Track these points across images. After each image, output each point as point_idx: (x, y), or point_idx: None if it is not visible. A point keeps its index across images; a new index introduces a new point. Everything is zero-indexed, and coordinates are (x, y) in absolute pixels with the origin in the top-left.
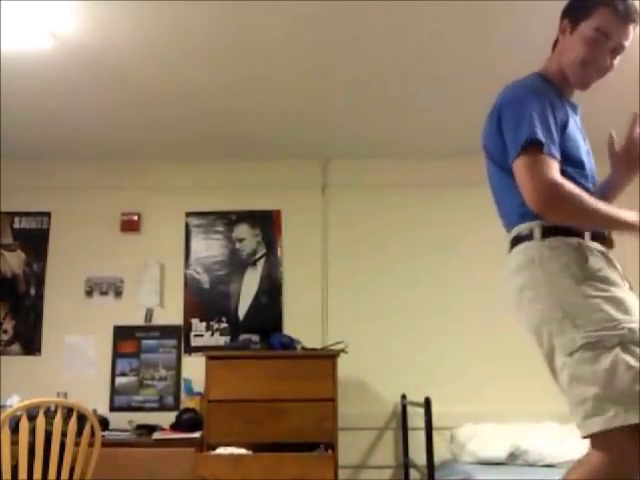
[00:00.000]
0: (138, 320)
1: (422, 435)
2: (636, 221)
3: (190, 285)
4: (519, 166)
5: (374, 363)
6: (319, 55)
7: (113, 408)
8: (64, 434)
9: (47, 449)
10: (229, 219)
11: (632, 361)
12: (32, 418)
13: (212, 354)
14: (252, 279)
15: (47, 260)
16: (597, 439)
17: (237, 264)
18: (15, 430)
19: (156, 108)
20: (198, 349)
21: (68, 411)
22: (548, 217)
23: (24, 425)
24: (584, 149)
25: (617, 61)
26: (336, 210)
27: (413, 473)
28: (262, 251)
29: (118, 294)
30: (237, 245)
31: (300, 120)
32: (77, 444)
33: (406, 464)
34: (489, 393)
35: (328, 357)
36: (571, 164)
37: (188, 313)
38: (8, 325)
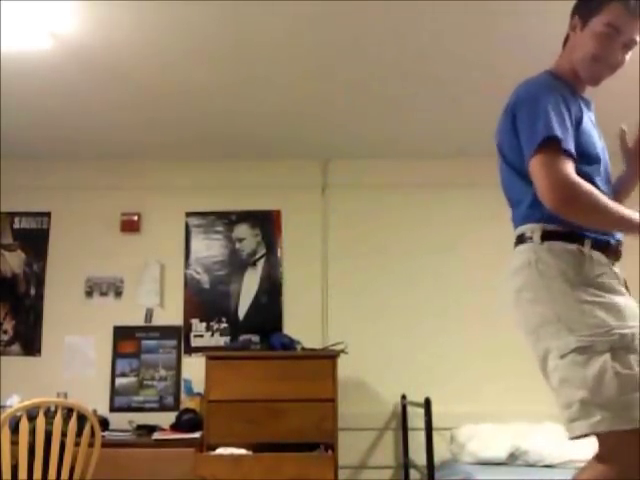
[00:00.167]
0: (138, 320)
1: (422, 435)
2: None
3: (190, 285)
4: (535, 163)
5: (374, 363)
6: (319, 55)
7: (113, 408)
8: (64, 434)
9: (47, 449)
10: (229, 219)
11: (620, 368)
12: (32, 418)
13: (212, 354)
14: (252, 279)
15: (47, 260)
16: (601, 443)
17: (237, 264)
18: (15, 430)
19: (156, 108)
20: (198, 349)
21: (68, 411)
22: (562, 215)
23: (24, 425)
24: (599, 145)
25: (629, 56)
26: (336, 210)
27: (413, 473)
28: (262, 251)
29: (118, 294)
30: (237, 245)
31: (300, 120)
32: (77, 444)
33: (406, 464)
34: (489, 393)
35: (328, 357)
36: (586, 161)
37: (188, 313)
38: (8, 325)
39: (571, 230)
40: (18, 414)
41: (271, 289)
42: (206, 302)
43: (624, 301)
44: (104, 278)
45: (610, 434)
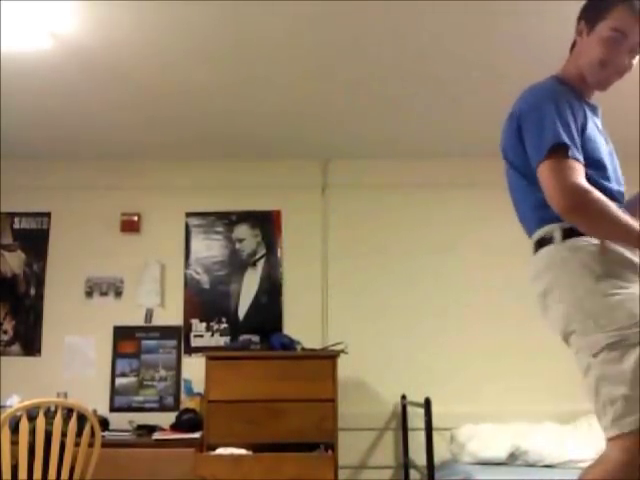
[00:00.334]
0: (138, 320)
1: (422, 435)
2: None
3: (190, 285)
4: (544, 170)
5: (374, 363)
6: (319, 55)
7: (113, 408)
8: (64, 434)
9: (47, 449)
10: (229, 219)
11: None
12: (32, 418)
13: (212, 354)
14: (252, 279)
15: (47, 260)
16: (617, 438)
17: (237, 264)
18: (15, 430)
19: (156, 108)
20: (198, 349)
21: (68, 411)
22: (571, 222)
23: (24, 425)
24: (605, 150)
25: (636, 61)
26: (336, 210)
27: (413, 473)
28: (262, 251)
29: (118, 294)
30: (237, 245)
31: (300, 120)
32: (77, 444)
33: (406, 464)
34: (489, 393)
35: (328, 357)
36: (592, 166)
37: (188, 313)
38: (8, 325)
39: None
40: (18, 414)
41: (271, 289)
42: (206, 302)
43: None
44: (104, 278)
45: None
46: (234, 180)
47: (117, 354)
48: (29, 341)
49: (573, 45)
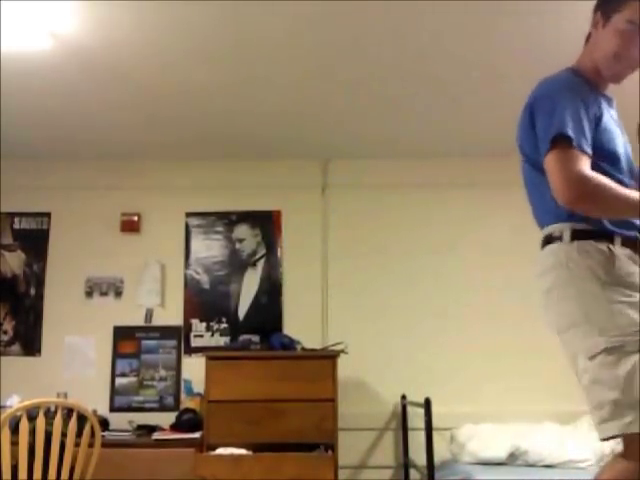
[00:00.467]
0: (138, 320)
1: (422, 435)
2: None
3: (190, 285)
4: (549, 160)
5: (374, 363)
6: (319, 55)
7: (113, 408)
8: (64, 434)
9: (47, 449)
10: (229, 219)
11: None
12: (32, 418)
13: (212, 354)
14: (252, 279)
15: (47, 260)
16: (628, 443)
17: (237, 264)
18: (15, 430)
19: (156, 108)
20: (198, 349)
21: (68, 411)
22: (577, 211)
23: (24, 425)
24: (621, 142)
25: None
26: (336, 210)
27: (413, 473)
28: (262, 251)
29: (118, 294)
30: (237, 245)
31: (300, 120)
32: (77, 444)
33: (406, 464)
34: (489, 393)
35: (328, 357)
36: (607, 159)
37: (188, 313)
38: (8, 325)
39: (600, 228)
40: (18, 414)
41: (271, 289)
42: (206, 302)
43: None
44: (104, 278)
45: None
46: (234, 180)
47: (117, 354)
48: (29, 341)
49: (588, 37)
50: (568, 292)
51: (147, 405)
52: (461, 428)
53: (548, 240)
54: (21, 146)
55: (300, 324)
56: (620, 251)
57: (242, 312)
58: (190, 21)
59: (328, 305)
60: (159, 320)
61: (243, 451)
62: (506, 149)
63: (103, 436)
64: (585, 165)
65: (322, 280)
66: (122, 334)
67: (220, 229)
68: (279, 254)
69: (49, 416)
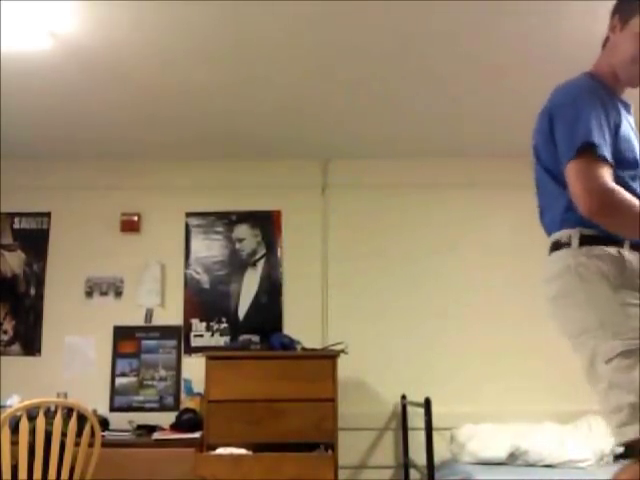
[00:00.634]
0: (138, 320)
1: (422, 435)
2: None
3: (190, 285)
4: (571, 169)
5: (374, 363)
6: (319, 55)
7: (113, 408)
8: (64, 434)
9: (47, 449)
10: (229, 219)
11: None
12: (32, 418)
13: (212, 354)
14: (252, 279)
15: (47, 260)
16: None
17: (237, 264)
18: (15, 430)
19: (156, 108)
20: (198, 349)
21: (68, 411)
22: (597, 222)
23: (24, 425)
24: (637, 149)
25: None
26: (336, 210)
27: (413, 473)
28: (262, 251)
29: (118, 294)
30: (237, 245)
31: (300, 120)
32: (77, 444)
33: (406, 464)
34: (489, 393)
35: (328, 357)
36: (625, 166)
37: (188, 313)
38: (8, 325)
39: (609, 233)
40: (18, 414)
41: (271, 289)
42: (206, 302)
43: None
44: (104, 278)
45: None
46: (234, 180)
47: (117, 354)
48: (29, 341)
49: (606, 41)
50: (578, 297)
51: (147, 405)
52: (461, 428)
53: (556, 246)
54: (21, 146)
55: (300, 324)
56: (630, 255)
57: (242, 312)
58: (190, 21)
59: (328, 305)
60: (159, 320)
61: (243, 451)
62: (506, 149)
63: (103, 436)
64: (608, 176)
65: (322, 280)
66: (122, 334)
67: (220, 229)
68: (279, 254)
69: (49, 416)
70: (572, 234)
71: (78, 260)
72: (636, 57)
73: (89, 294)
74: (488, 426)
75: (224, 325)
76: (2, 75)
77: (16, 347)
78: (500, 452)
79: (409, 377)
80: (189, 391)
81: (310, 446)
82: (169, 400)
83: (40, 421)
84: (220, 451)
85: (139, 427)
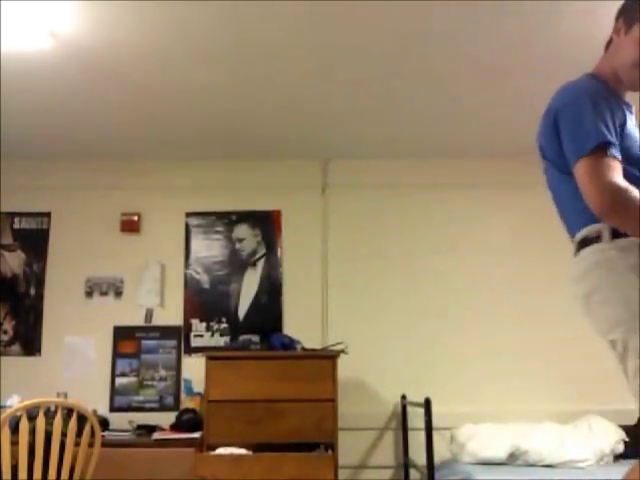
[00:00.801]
0: (138, 320)
1: (422, 435)
2: None
3: (190, 285)
4: (581, 168)
5: (374, 363)
6: (319, 55)
7: (113, 408)
8: (64, 434)
9: (47, 449)
10: (229, 219)
11: None
12: (32, 418)
13: (212, 354)
14: (252, 279)
15: (47, 260)
16: None
17: (237, 264)
18: (15, 430)
19: (156, 108)
20: (198, 349)
21: (68, 411)
22: (609, 222)
23: (24, 425)
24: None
25: None
26: (336, 210)
27: (413, 473)
28: (262, 251)
29: (118, 294)
30: (237, 245)
31: (300, 120)
32: (77, 444)
33: (406, 464)
34: (489, 393)
35: (328, 357)
36: (631, 163)
37: (188, 313)
38: (8, 325)
39: None
40: (18, 414)
41: (271, 289)
42: (206, 302)
43: None
44: (104, 278)
45: None
46: (234, 180)
47: (117, 354)
48: (29, 341)
49: (609, 42)
50: (611, 292)
51: (147, 405)
52: (461, 428)
53: (584, 243)
54: (21, 146)
55: (300, 324)
56: None
57: (242, 312)
58: (190, 21)
59: (328, 305)
60: (159, 320)
61: (243, 451)
62: (506, 149)
63: (103, 436)
64: (619, 174)
65: (322, 280)
66: (122, 334)
67: (220, 229)
68: (279, 254)
69: (49, 416)
70: (602, 228)
71: (78, 260)
72: (636, 62)
73: (89, 294)
74: (488, 426)
75: (224, 325)
76: (2, 75)
77: (16, 347)
78: (500, 452)
79: (409, 377)
80: (189, 391)
81: (310, 446)
82: (169, 400)
83: (40, 421)
84: (220, 451)
85: (139, 427)
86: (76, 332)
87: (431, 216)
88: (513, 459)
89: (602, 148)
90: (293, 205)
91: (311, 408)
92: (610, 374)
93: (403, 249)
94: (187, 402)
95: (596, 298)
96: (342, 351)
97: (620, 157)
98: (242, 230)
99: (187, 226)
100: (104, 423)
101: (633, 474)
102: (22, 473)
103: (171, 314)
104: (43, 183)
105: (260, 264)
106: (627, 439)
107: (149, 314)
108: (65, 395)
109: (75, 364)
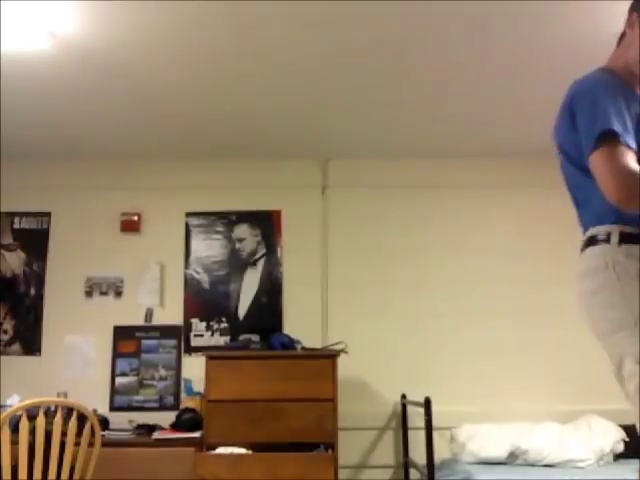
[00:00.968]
0: (138, 320)
1: (422, 435)
2: None
3: (190, 285)
4: (595, 158)
5: (374, 363)
6: (319, 55)
7: (113, 408)
8: (64, 434)
9: (47, 449)
10: (229, 219)
11: None
12: (32, 418)
13: (212, 354)
14: (252, 279)
15: (47, 260)
16: None
17: (237, 264)
18: (15, 430)
19: (156, 108)
20: (198, 349)
21: (68, 411)
22: (628, 208)
23: (24, 425)
24: None
25: None
26: (336, 210)
27: (413, 473)
28: (262, 251)
29: (118, 294)
30: (237, 245)
31: (300, 120)
32: (77, 444)
33: (406, 464)
34: (489, 393)
35: (328, 357)
36: None
37: (188, 313)
38: (8, 325)
39: None
40: (18, 414)
41: (271, 289)
42: (206, 302)
43: None
44: (104, 278)
45: None
46: (234, 180)
47: (117, 354)
48: (29, 341)
49: (622, 36)
50: (614, 296)
51: (147, 404)
52: (461, 428)
53: (592, 241)
54: (21, 146)
55: (300, 324)
56: None
57: (242, 312)
58: (190, 21)
59: (328, 305)
60: (159, 320)
61: (243, 451)
62: (506, 149)
63: (103, 435)
64: (634, 161)
65: (322, 280)
66: (122, 334)
67: (220, 229)
68: (279, 254)
69: (49, 415)
70: (611, 231)
71: (78, 260)
72: None
73: (89, 294)
74: (488, 426)
75: (224, 325)
76: (2, 75)
77: (16, 347)
78: (500, 452)
79: (409, 376)
80: (189, 391)
81: (310, 446)
82: (169, 400)
83: (40, 421)
84: (220, 451)
85: (139, 427)
86: (76, 332)
87: (431, 216)
88: (513, 459)
89: (614, 137)
90: (293, 205)
91: (311, 408)
92: (610, 374)
93: (403, 249)
94: (187, 402)
95: (597, 298)
96: (342, 351)
97: (635, 146)
98: (242, 230)
99: (187, 226)
100: (104, 423)
101: None
102: (22, 473)
103: (171, 314)
104: (43, 183)
105: (260, 264)
106: (627, 439)
107: (149, 314)
108: (65, 395)
109: (75, 364)
